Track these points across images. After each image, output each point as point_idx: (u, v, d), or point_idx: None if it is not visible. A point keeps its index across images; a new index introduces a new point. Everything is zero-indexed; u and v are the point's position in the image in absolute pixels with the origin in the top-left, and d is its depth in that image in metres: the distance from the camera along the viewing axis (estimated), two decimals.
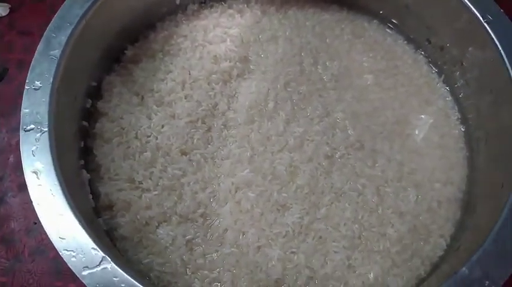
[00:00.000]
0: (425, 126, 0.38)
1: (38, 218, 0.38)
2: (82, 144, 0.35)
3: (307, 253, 0.32)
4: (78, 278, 0.34)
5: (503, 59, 0.33)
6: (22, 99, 0.33)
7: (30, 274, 0.37)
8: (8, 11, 0.49)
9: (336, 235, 0.33)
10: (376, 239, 0.33)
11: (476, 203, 0.35)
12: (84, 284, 0.25)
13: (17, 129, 0.45)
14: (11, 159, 0.42)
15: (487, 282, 0.26)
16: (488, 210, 0.32)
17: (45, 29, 0.48)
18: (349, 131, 0.37)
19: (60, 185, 0.27)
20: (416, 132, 0.38)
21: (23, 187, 0.40)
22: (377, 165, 0.36)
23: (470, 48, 0.37)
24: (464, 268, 0.26)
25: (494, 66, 0.34)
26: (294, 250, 0.32)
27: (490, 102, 0.36)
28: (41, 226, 0.37)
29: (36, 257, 0.38)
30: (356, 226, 0.33)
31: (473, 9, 0.35)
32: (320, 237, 0.33)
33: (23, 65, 0.47)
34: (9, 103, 0.45)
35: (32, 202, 0.31)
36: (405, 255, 0.33)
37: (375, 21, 0.43)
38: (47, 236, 0.37)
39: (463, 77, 0.39)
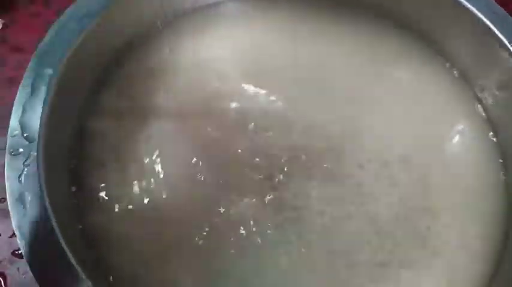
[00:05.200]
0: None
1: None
2: (73, 165, 0.32)
3: None
4: None
5: None
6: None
7: None
8: (1, 26, 0.47)
9: None
10: None
11: None
12: None
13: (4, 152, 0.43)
14: None
15: None
16: None
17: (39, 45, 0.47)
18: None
19: (49, 215, 0.24)
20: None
21: (6, 214, 0.37)
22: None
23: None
24: None
25: None
26: None
27: None
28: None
29: None
30: None
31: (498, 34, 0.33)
32: None
33: (14, 82, 0.44)
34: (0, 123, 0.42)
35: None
36: None
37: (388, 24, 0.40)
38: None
39: (494, 98, 0.37)
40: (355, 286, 0.31)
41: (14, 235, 0.34)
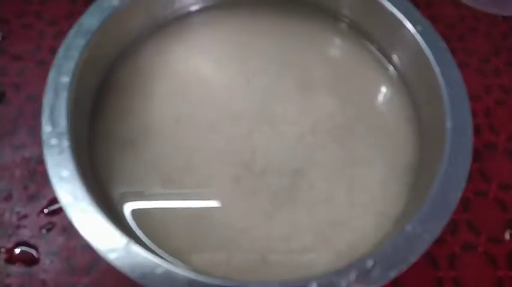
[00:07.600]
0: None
1: (51, 225, 0.43)
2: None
3: None
4: (91, 273, 0.41)
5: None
6: (23, 120, 0.39)
7: (46, 274, 0.42)
8: (0, 38, 0.53)
9: None
10: None
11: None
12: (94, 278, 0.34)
13: (19, 148, 0.49)
14: (17, 174, 0.47)
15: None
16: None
17: (37, 54, 0.53)
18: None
19: (85, 186, 0.32)
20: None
21: (31, 198, 0.45)
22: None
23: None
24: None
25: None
26: None
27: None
28: (53, 232, 0.43)
29: (50, 258, 0.42)
30: None
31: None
32: None
33: (19, 88, 0.51)
34: (10, 124, 0.49)
35: (43, 209, 0.43)
36: None
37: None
38: (61, 238, 0.42)
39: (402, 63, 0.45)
40: None
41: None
